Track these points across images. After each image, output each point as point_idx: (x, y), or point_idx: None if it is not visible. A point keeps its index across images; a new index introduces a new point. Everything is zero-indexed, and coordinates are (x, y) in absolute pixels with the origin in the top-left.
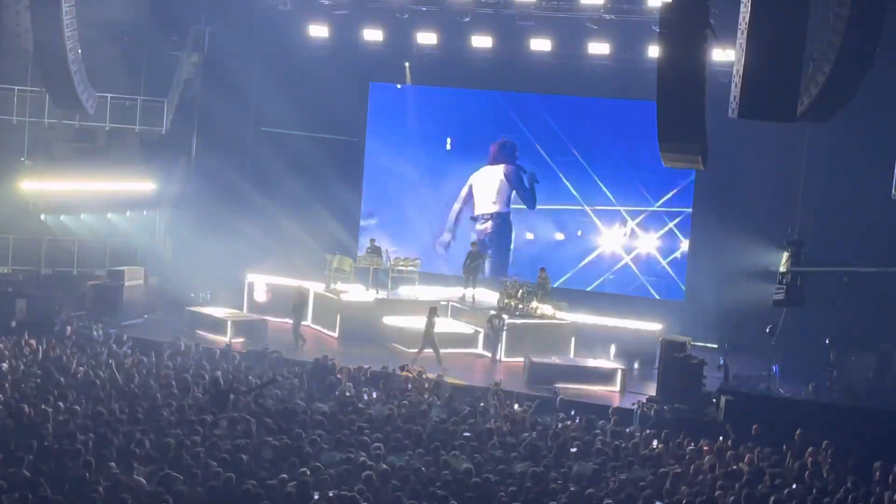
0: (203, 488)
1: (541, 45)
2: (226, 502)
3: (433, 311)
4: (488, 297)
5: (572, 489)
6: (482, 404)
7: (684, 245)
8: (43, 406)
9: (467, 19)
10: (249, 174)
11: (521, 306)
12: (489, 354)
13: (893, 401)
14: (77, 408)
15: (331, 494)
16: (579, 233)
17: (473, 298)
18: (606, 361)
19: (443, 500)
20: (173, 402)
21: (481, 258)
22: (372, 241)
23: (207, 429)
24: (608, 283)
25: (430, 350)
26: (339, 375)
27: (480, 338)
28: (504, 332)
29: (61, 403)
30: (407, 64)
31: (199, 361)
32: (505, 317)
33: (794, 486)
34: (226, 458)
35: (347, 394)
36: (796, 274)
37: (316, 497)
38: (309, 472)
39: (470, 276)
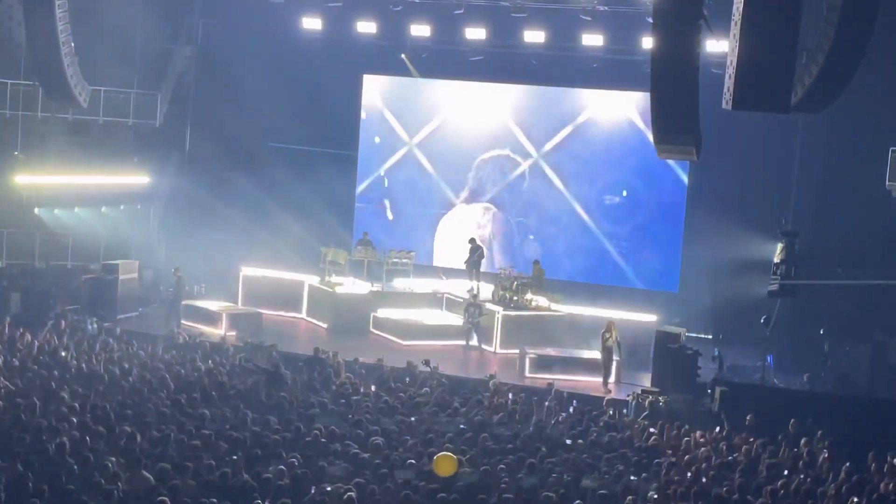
0: (197, 481)
1: (535, 36)
2: (221, 495)
3: (611, 324)
4: (489, 290)
5: (567, 479)
6: (477, 397)
7: (679, 235)
8: (37, 400)
9: (461, 11)
10: (243, 167)
11: (515, 298)
12: (469, 343)
13: (888, 390)
14: (72, 402)
15: (328, 489)
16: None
17: (479, 290)
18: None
19: (437, 492)
20: (168, 395)
21: (480, 251)
22: (365, 234)
23: (202, 422)
24: (603, 275)
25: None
26: (348, 378)
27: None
28: (478, 321)
29: (56, 397)
30: (404, 55)
31: (194, 355)
32: (482, 305)
33: (788, 475)
34: (220, 450)
35: (347, 386)
36: (791, 265)
37: (312, 491)
38: (304, 466)
39: (472, 270)
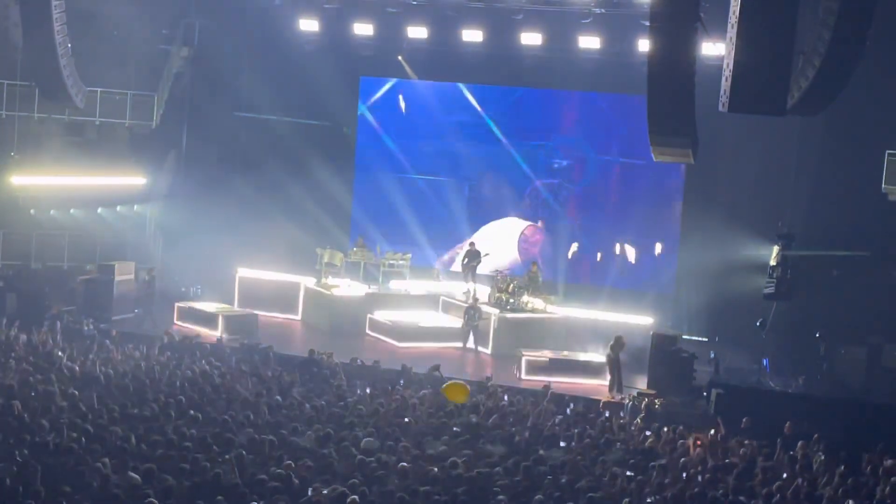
0: (193, 483)
1: (532, 38)
2: (216, 497)
3: (619, 340)
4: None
5: (563, 481)
6: (473, 399)
7: (675, 238)
8: (32, 402)
9: (458, 13)
10: (240, 168)
11: (511, 300)
12: (466, 345)
13: (883, 393)
14: (66, 403)
15: (324, 492)
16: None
17: (475, 293)
18: (597, 355)
19: (433, 495)
20: (162, 397)
21: (479, 258)
22: (360, 238)
23: (197, 423)
24: (600, 277)
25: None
26: (344, 380)
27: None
28: (477, 325)
29: (51, 398)
30: (400, 57)
31: (190, 356)
32: (481, 308)
33: (784, 478)
34: (214, 452)
35: (342, 388)
36: (786, 267)
37: (309, 493)
38: (298, 466)
39: (469, 273)
